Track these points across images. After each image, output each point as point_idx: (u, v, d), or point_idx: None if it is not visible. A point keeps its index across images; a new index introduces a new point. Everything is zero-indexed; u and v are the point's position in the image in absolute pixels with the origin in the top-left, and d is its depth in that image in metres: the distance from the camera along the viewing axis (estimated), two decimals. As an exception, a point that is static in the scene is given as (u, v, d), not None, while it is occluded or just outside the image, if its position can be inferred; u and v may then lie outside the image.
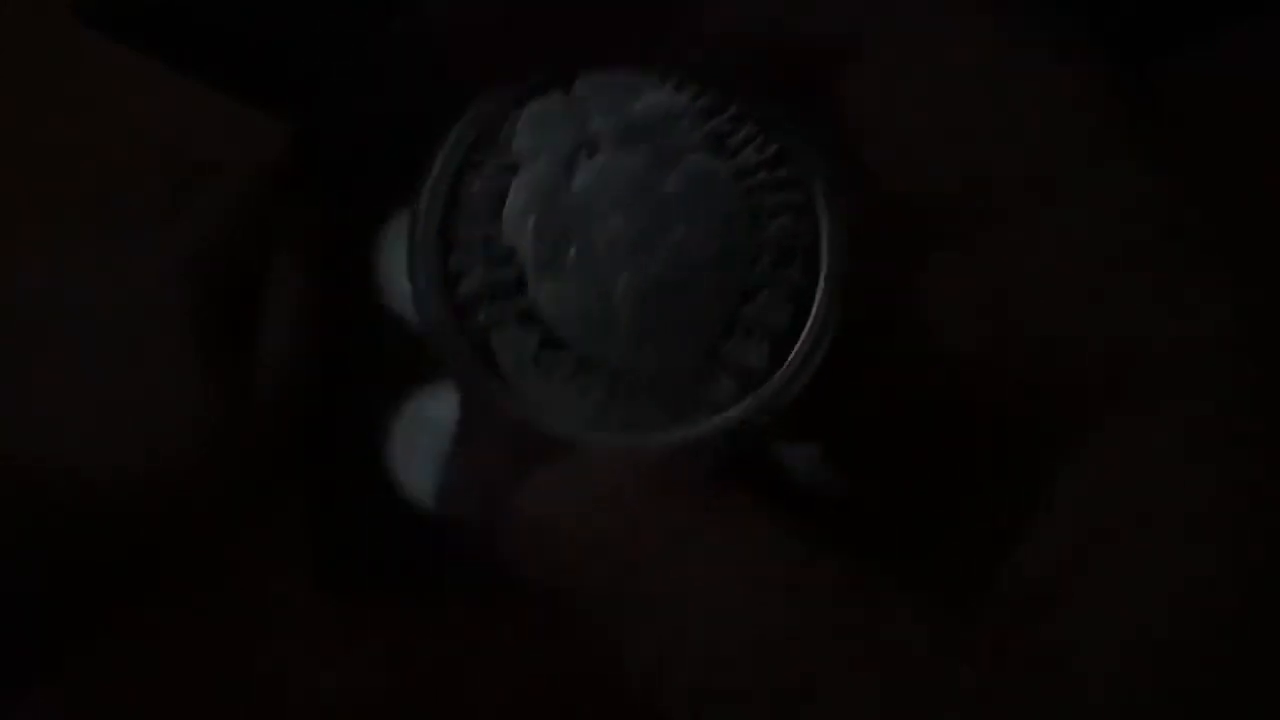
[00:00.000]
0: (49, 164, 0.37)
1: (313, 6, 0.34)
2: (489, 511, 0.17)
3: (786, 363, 0.17)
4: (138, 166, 0.37)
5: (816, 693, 0.14)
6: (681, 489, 0.16)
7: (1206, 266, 0.15)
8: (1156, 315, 0.15)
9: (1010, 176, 0.16)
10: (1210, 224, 0.15)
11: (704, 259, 0.17)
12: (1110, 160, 0.16)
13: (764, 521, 0.16)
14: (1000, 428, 0.17)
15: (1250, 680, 0.14)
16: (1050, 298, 0.16)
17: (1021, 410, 0.16)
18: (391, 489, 0.36)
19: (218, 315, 0.30)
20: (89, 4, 0.33)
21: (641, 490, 0.16)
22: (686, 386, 0.17)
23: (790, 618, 0.15)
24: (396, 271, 0.17)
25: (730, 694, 0.15)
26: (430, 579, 0.35)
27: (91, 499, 0.27)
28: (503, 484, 0.18)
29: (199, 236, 0.31)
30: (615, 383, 0.17)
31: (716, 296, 0.17)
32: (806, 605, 0.15)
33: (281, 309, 0.33)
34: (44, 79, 0.38)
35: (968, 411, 0.17)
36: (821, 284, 0.17)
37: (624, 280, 0.17)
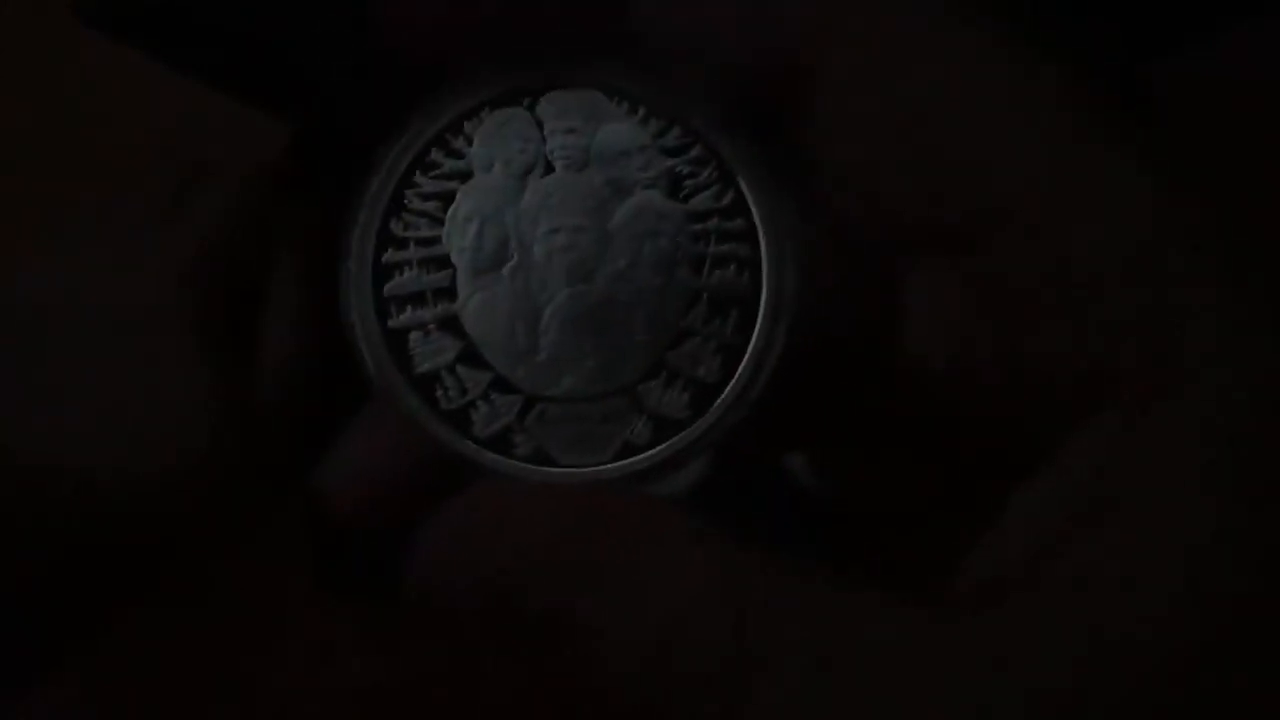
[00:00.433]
0: (49, 164, 0.37)
1: (313, 6, 0.34)
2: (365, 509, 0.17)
3: (704, 417, 0.17)
4: (138, 166, 0.37)
5: (752, 687, 0.14)
6: (587, 520, 0.16)
7: (1189, 269, 0.15)
8: (1136, 323, 0.15)
9: (982, 193, 0.16)
10: (1193, 224, 0.15)
11: (639, 296, 0.17)
12: (1087, 167, 0.15)
13: (689, 534, 0.15)
14: (983, 436, 0.17)
15: (1214, 681, 0.14)
16: (1029, 310, 0.16)
17: (1003, 418, 0.16)
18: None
19: (218, 315, 0.30)
20: (89, 4, 0.33)
21: (545, 523, 0.16)
22: (599, 423, 0.17)
23: (716, 620, 0.15)
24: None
25: (667, 695, 0.15)
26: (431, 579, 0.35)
27: (91, 499, 0.27)
28: (384, 483, 0.18)
29: (199, 237, 0.31)
30: (526, 409, 0.17)
31: (645, 337, 0.17)
32: (736, 605, 0.15)
33: (281, 309, 0.33)
34: (44, 79, 0.38)
35: (951, 422, 0.17)
36: (753, 343, 0.17)
37: (555, 304, 0.17)
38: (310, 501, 0.20)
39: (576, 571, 0.15)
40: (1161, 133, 0.16)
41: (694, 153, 0.17)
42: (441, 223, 0.17)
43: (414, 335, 0.17)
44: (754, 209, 0.17)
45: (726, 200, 0.17)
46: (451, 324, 0.17)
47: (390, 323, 0.17)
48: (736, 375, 0.17)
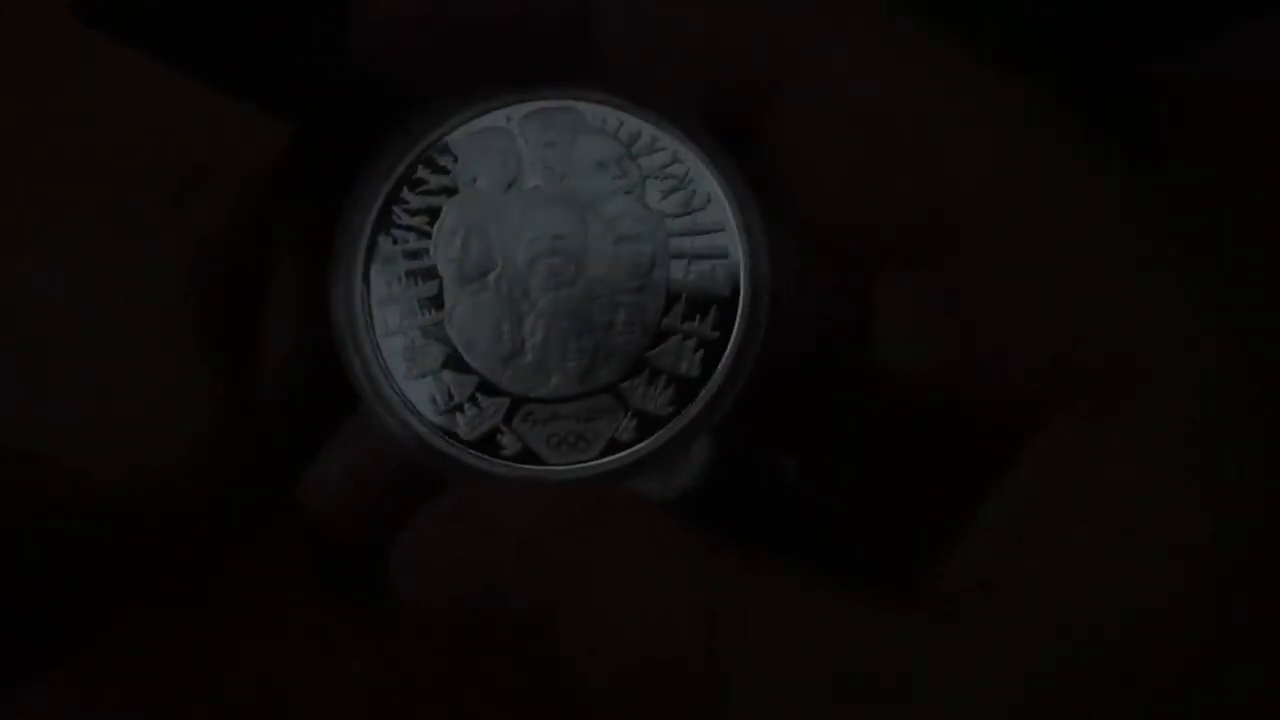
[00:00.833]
0: (49, 164, 0.37)
1: (312, 7, 0.34)
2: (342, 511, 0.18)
3: (685, 411, 0.17)
4: (138, 166, 0.37)
5: (730, 686, 0.14)
6: (582, 518, 0.16)
7: (1151, 268, 0.15)
8: (1099, 322, 0.15)
9: (953, 197, 0.16)
10: (1155, 223, 0.16)
11: (619, 298, 0.17)
12: (1049, 173, 0.16)
13: (669, 533, 0.16)
14: (956, 438, 0.17)
15: (1189, 669, 0.14)
16: (994, 313, 0.16)
17: (973, 421, 0.17)
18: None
19: (218, 315, 0.30)
20: (89, 4, 0.33)
21: (530, 525, 0.16)
22: (585, 422, 0.17)
23: (701, 618, 0.15)
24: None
25: (649, 694, 0.15)
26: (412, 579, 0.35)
27: (92, 498, 0.27)
28: (368, 496, 0.18)
29: (199, 237, 0.31)
30: (513, 410, 0.17)
31: (626, 336, 0.17)
32: (713, 604, 0.15)
33: (282, 309, 0.33)
34: (44, 79, 0.38)
35: (924, 424, 0.17)
36: (733, 340, 0.17)
37: (539, 309, 0.17)
38: (297, 516, 0.20)
39: (556, 569, 0.15)
40: (1125, 136, 0.16)
41: (667, 157, 0.18)
42: (429, 236, 0.18)
43: (402, 344, 0.18)
44: (728, 209, 0.18)
45: (700, 202, 0.18)
46: (439, 332, 0.17)
47: (379, 333, 0.18)
48: (717, 370, 0.17)
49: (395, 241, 0.18)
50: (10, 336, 0.30)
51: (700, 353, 0.17)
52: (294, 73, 0.35)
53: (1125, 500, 0.14)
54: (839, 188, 0.17)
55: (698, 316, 0.17)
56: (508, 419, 0.17)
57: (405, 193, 0.18)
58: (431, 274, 0.18)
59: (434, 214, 0.18)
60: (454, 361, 0.17)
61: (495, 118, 0.18)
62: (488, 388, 0.17)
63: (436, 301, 0.18)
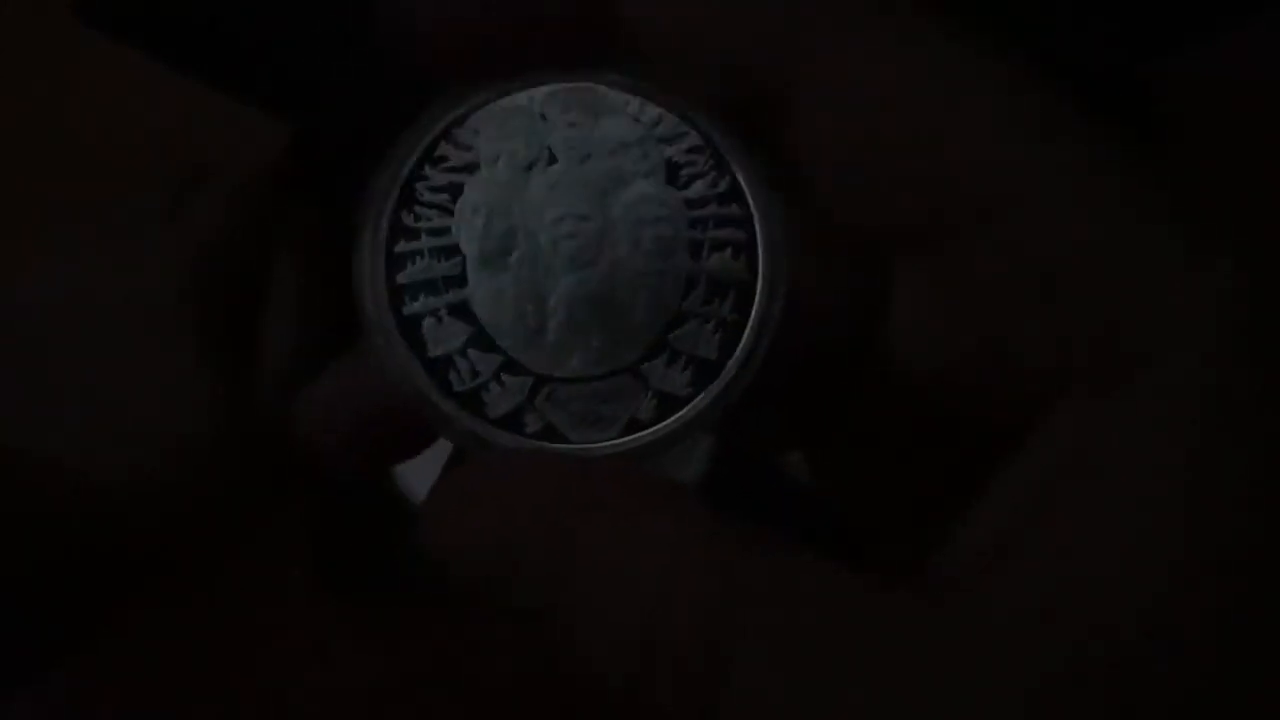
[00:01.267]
0: (49, 164, 0.37)
1: (313, 7, 0.34)
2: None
3: (705, 392, 0.18)
4: (138, 166, 0.37)
5: (730, 668, 0.15)
6: (601, 492, 0.16)
7: (1152, 254, 0.15)
8: (1102, 311, 0.15)
9: (964, 186, 0.16)
10: (1156, 212, 0.16)
11: (641, 280, 0.18)
12: (1056, 165, 0.16)
13: (682, 512, 0.16)
14: (965, 428, 0.17)
15: (1192, 654, 0.14)
16: (1008, 298, 0.16)
17: (982, 410, 0.17)
18: (393, 489, 0.36)
19: (218, 315, 0.30)
20: (89, 4, 0.33)
21: (560, 493, 0.16)
22: (605, 401, 0.18)
23: (703, 599, 0.15)
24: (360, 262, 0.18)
25: (650, 673, 0.15)
26: (431, 579, 0.35)
27: (92, 498, 0.27)
28: (362, 426, 0.18)
29: (199, 237, 0.31)
30: (537, 389, 0.18)
31: (647, 318, 0.18)
32: (716, 585, 0.15)
33: (282, 309, 0.33)
34: (44, 79, 0.38)
35: (937, 412, 0.18)
36: (750, 323, 0.18)
37: (561, 290, 0.18)
38: (288, 431, 0.20)
39: (565, 540, 0.16)
40: (1130, 129, 0.16)
41: (690, 142, 0.18)
42: (451, 213, 0.18)
43: (427, 321, 0.18)
44: (748, 195, 0.18)
45: (722, 187, 0.18)
46: (462, 310, 0.18)
47: (404, 310, 0.18)
48: (735, 353, 0.18)
49: (418, 219, 0.18)
50: (10, 336, 0.30)
51: (719, 335, 0.18)
52: (294, 73, 0.35)
53: (1126, 486, 0.15)
54: (854, 176, 0.17)
55: (716, 300, 0.18)
56: (530, 397, 0.18)
57: (428, 169, 0.18)
58: (454, 251, 0.18)
59: (456, 191, 0.18)
60: (477, 340, 0.18)
61: (519, 98, 0.18)
62: (511, 366, 0.18)
63: (459, 280, 0.18)
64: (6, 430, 0.28)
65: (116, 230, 0.32)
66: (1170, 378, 0.15)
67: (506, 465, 0.17)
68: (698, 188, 0.18)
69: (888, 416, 0.19)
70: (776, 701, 0.14)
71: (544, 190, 0.18)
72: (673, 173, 0.18)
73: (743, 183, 0.18)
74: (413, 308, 0.18)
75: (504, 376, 0.18)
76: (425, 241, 0.18)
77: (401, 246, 0.18)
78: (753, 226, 0.18)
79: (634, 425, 0.17)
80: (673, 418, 0.17)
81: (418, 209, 0.18)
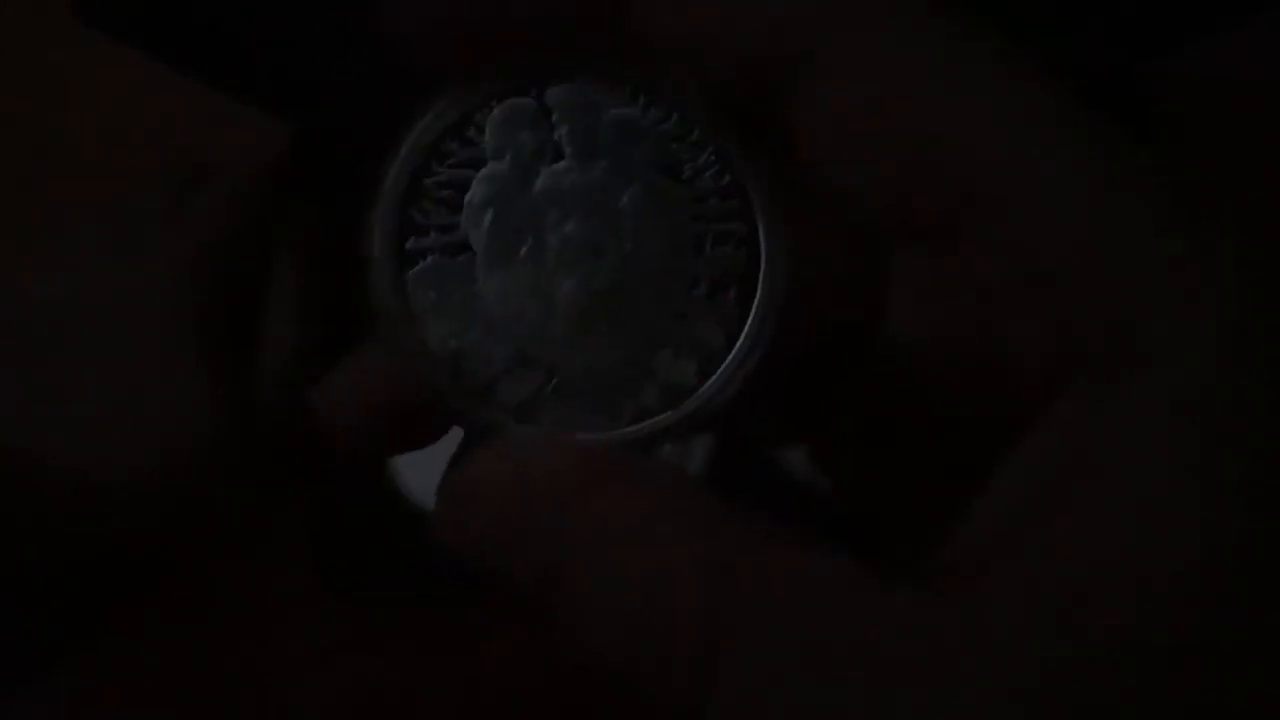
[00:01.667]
0: (49, 164, 0.37)
1: (313, 6, 0.34)
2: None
3: (710, 381, 0.18)
4: (138, 166, 0.37)
5: (724, 654, 0.15)
6: (610, 476, 0.16)
7: (1156, 249, 0.15)
8: (1104, 303, 0.15)
9: (967, 181, 0.16)
10: (1160, 205, 0.16)
11: (646, 274, 0.18)
12: (1059, 157, 0.16)
13: (687, 499, 0.16)
14: (967, 417, 0.17)
15: (1192, 652, 0.14)
16: (1010, 293, 0.16)
17: (984, 402, 0.17)
18: (393, 489, 0.36)
19: (218, 315, 0.30)
20: (89, 4, 0.33)
21: (570, 475, 0.16)
22: (614, 392, 0.18)
23: (702, 589, 0.15)
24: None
25: (657, 661, 0.15)
26: (431, 579, 0.35)
27: (92, 499, 0.27)
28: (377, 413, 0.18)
29: (200, 237, 0.31)
30: (546, 380, 0.18)
31: (652, 311, 0.18)
32: (730, 571, 0.15)
33: (281, 309, 0.33)
34: (44, 79, 0.38)
35: (939, 412, 0.18)
36: (753, 314, 0.18)
37: (568, 284, 0.18)
38: (304, 418, 0.20)
39: (568, 523, 0.16)
40: (1130, 129, 0.16)
41: (693, 138, 0.18)
42: (459, 209, 0.18)
43: (439, 316, 0.18)
44: (751, 190, 0.18)
45: (724, 182, 0.18)
46: (473, 304, 0.18)
47: (416, 304, 0.18)
48: (739, 343, 0.18)
49: (427, 215, 0.18)
50: (10, 336, 0.30)
51: (724, 326, 0.18)
52: (294, 73, 0.35)
53: (1127, 484, 0.15)
54: (858, 171, 0.17)
55: (721, 291, 0.18)
56: (541, 388, 0.18)
57: (435, 165, 0.18)
58: (464, 247, 0.18)
59: (463, 187, 0.18)
60: (489, 333, 0.18)
61: (523, 92, 0.18)
62: (522, 358, 0.18)
63: (469, 275, 0.18)
64: (6, 430, 0.28)
65: (116, 230, 0.32)
66: (1170, 376, 0.15)
67: (519, 452, 0.17)
68: (701, 183, 0.18)
69: (887, 412, 0.19)
70: (771, 694, 0.14)
71: (550, 185, 0.18)
72: (677, 168, 0.18)
73: (746, 177, 0.18)
74: (424, 302, 0.18)
75: (515, 369, 0.18)
76: (435, 238, 0.18)
77: (412, 243, 0.18)
78: (756, 220, 0.18)
79: (642, 414, 0.18)
80: (680, 407, 0.18)
81: (426, 205, 0.18)
